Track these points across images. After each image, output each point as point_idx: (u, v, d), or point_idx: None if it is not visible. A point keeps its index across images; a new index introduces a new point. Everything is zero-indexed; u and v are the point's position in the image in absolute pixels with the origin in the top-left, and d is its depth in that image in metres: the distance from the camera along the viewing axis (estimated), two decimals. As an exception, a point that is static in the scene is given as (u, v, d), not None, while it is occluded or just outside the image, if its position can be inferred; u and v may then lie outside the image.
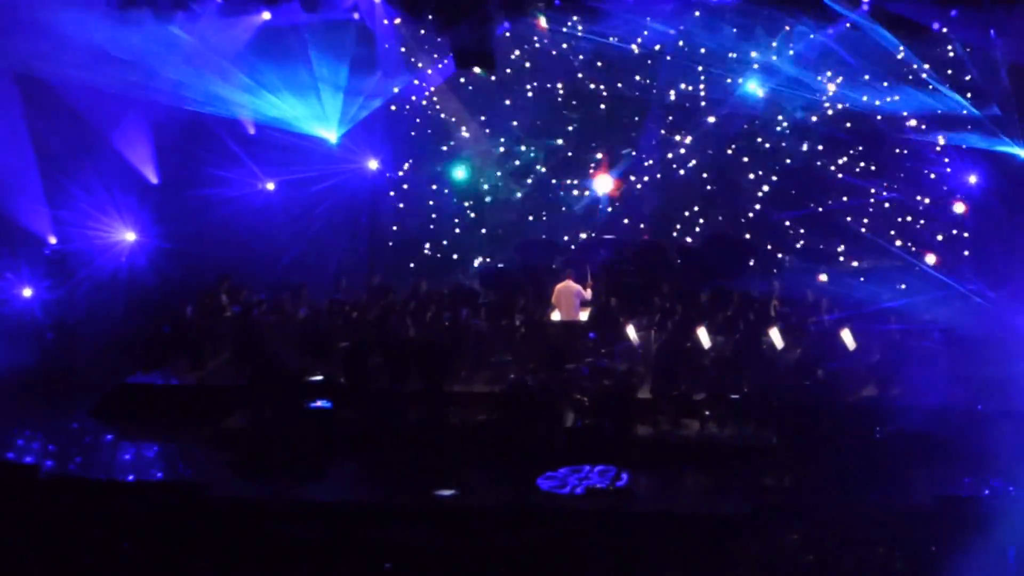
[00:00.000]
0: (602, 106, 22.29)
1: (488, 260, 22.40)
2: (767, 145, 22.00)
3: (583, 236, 22.12)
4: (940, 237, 21.21)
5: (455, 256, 22.51)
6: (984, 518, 11.25)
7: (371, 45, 20.52)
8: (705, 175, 22.32)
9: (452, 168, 22.39)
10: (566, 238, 22.22)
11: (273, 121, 20.21)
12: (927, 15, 18.13)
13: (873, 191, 21.59)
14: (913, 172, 21.40)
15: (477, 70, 20.56)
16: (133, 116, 19.18)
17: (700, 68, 21.41)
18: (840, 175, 21.76)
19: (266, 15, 18.63)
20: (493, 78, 21.53)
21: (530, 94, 22.25)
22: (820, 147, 21.84)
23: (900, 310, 17.24)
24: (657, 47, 20.80)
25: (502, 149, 22.53)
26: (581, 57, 21.66)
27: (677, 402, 14.87)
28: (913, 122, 20.86)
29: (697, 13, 19.83)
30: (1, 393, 16.17)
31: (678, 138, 22.07)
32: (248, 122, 20.41)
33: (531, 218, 22.62)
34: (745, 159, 22.13)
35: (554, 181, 22.60)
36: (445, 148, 22.55)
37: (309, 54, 20.41)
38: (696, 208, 22.36)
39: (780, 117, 21.73)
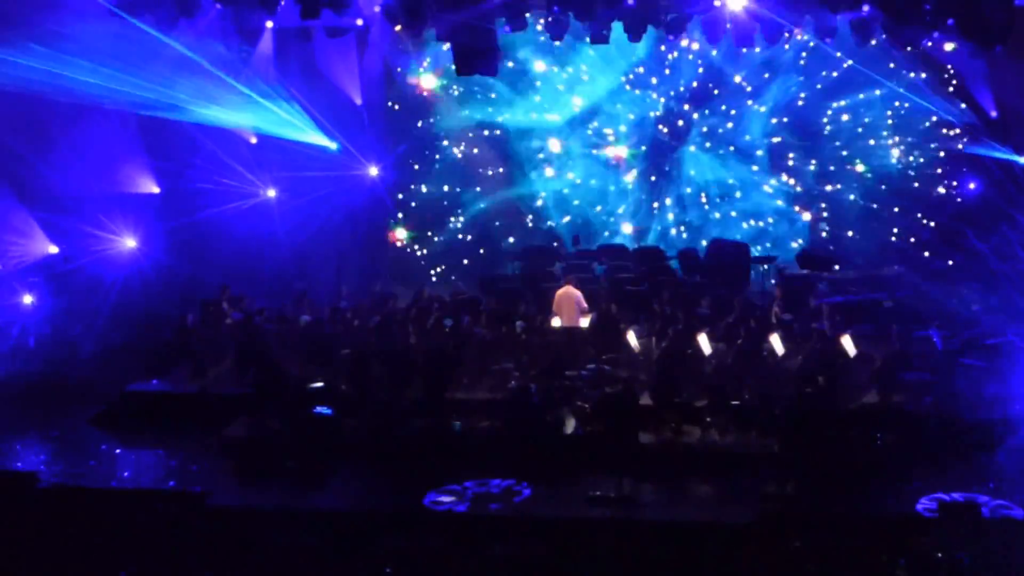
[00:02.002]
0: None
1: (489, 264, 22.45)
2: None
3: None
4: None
5: (457, 261, 22.55)
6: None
7: (371, 51, 20.58)
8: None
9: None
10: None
11: (273, 130, 20.25)
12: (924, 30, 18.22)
13: None
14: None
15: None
16: (131, 125, 19.21)
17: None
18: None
19: (268, 24, 18.63)
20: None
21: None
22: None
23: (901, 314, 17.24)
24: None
25: None
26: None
27: (678, 409, 14.82)
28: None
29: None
30: (2, 401, 16.19)
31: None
32: (248, 132, 20.45)
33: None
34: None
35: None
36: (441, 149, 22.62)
37: (309, 61, 20.48)
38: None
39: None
